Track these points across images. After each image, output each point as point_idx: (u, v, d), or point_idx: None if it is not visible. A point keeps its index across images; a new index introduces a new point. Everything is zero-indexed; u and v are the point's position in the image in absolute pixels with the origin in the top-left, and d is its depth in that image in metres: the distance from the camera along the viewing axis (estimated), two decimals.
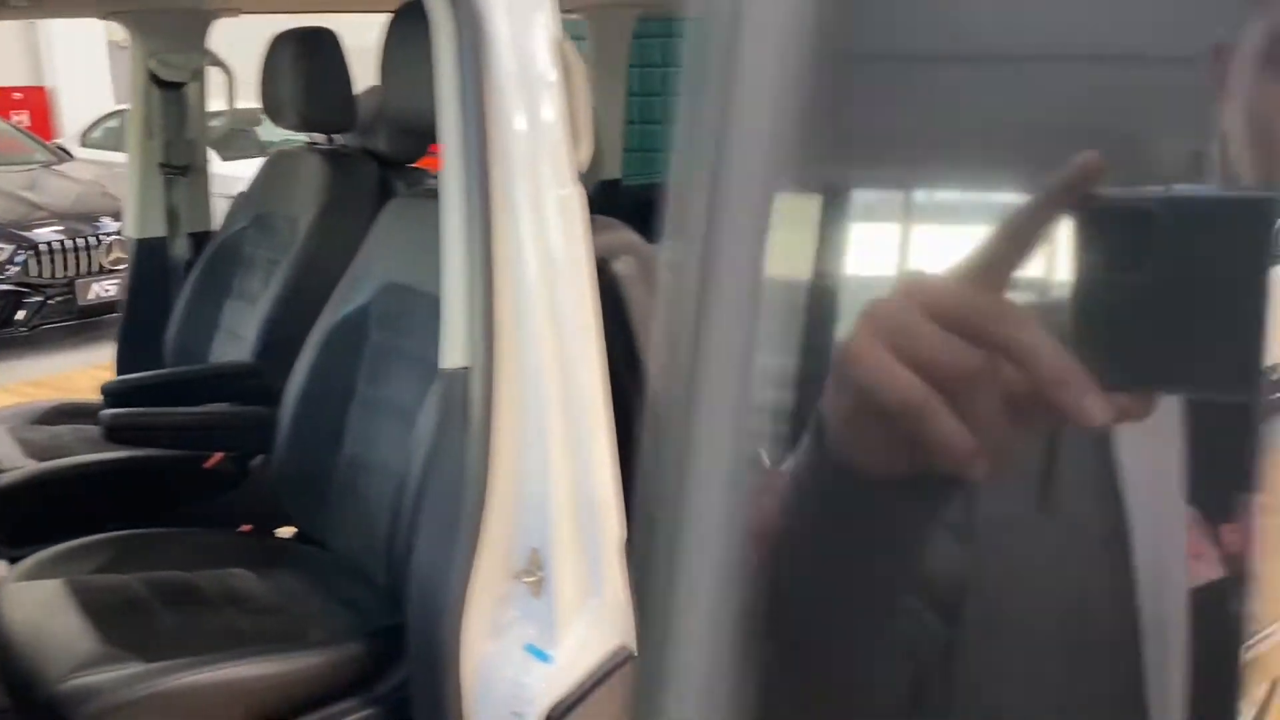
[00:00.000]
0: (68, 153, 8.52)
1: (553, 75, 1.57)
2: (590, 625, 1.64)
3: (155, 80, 2.80)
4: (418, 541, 1.67)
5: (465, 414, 1.57)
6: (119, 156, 7.74)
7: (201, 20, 2.84)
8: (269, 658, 1.71)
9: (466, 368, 1.57)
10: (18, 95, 11.35)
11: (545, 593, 1.62)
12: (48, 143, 8.72)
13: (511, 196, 1.55)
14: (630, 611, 1.66)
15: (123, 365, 2.89)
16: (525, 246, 1.56)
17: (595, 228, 2.04)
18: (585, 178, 3.80)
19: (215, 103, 3.00)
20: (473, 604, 1.61)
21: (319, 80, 2.51)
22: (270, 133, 10.69)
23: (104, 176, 7.83)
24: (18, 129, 9.11)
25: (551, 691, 1.61)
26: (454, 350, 1.59)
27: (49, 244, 6.77)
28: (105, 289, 6.90)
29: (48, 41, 11.39)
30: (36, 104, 11.44)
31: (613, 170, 3.73)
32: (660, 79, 5.17)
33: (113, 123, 9.60)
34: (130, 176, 2.87)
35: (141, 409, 2.28)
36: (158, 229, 2.90)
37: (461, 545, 1.59)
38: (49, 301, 6.68)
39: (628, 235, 2.01)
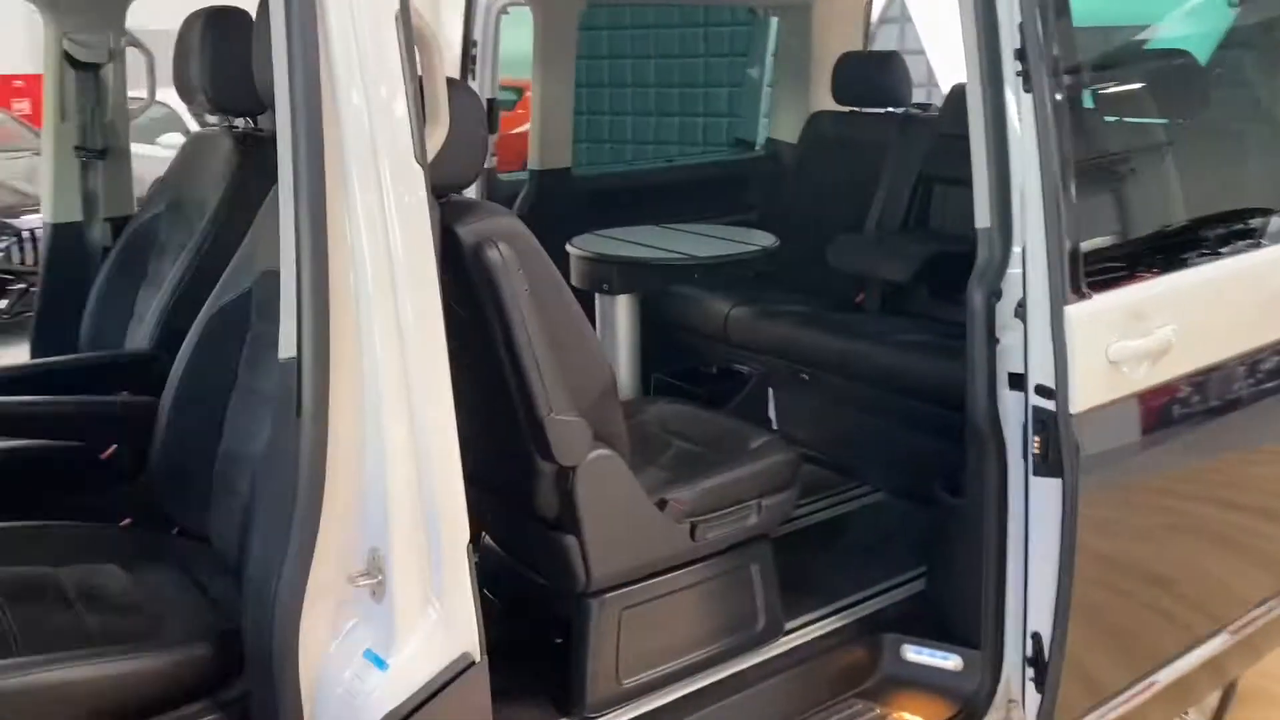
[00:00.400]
0: None
1: (394, 53, 1.48)
2: (432, 632, 1.56)
3: (70, 60, 2.73)
4: (253, 539, 1.59)
5: (298, 405, 1.49)
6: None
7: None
8: (105, 659, 1.64)
9: (295, 358, 1.48)
10: (19, 83, 11.36)
11: (384, 596, 1.54)
12: None
13: (346, 182, 1.47)
14: (474, 618, 1.58)
15: (37, 353, 2.83)
16: (361, 233, 1.47)
17: (475, 212, 1.95)
18: (538, 167, 3.64)
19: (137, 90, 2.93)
20: (311, 606, 1.53)
21: (228, 60, 2.43)
22: None
23: None
24: (15, 118, 9.10)
25: (385, 701, 1.52)
26: (288, 340, 1.51)
27: (33, 231, 6.77)
28: None
29: None
30: (38, 92, 11.42)
31: (563, 159, 3.65)
32: (607, 70, 5.12)
33: None
34: (44, 159, 2.80)
35: (16, 399, 2.21)
36: (74, 214, 2.83)
37: (295, 544, 1.51)
38: (32, 289, 6.66)
39: (506, 221, 1.93)
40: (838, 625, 2.58)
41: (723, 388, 3.09)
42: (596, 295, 3.03)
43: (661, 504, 2.19)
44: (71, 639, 1.70)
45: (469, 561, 1.57)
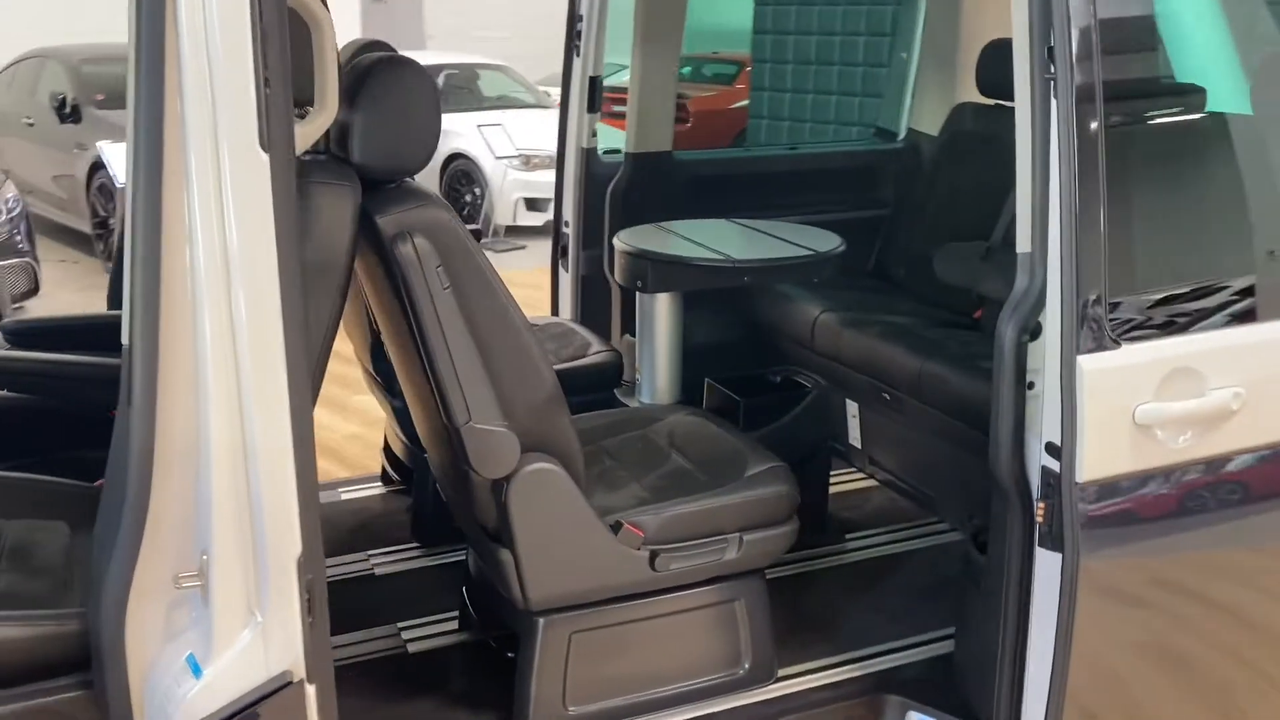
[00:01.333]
0: None
1: (244, 29, 1.39)
2: (252, 645, 1.48)
3: None
4: (96, 530, 1.56)
5: (129, 395, 1.44)
6: None
7: None
8: None
9: (125, 348, 1.43)
10: None
11: (207, 602, 1.47)
12: None
13: (186, 166, 1.39)
14: (299, 636, 1.49)
15: (112, 303, 2.95)
16: (197, 221, 1.40)
17: (403, 201, 1.84)
18: (634, 149, 3.46)
19: None
20: (139, 603, 1.49)
21: None
22: (493, 86, 10.99)
23: None
24: None
25: (194, 711, 1.46)
26: (124, 326, 1.46)
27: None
28: None
29: None
30: None
31: (662, 142, 3.47)
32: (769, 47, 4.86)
33: None
34: None
35: (13, 354, 2.29)
36: None
37: (123, 539, 1.46)
38: None
39: (432, 212, 1.80)
40: (839, 678, 2.34)
41: (780, 399, 2.85)
42: (637, 293, 2.86)
43: (617, 527, 2.03)
44: None
45: (298, 576, 1.48)
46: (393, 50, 2.82)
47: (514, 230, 8.76)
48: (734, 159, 4.21)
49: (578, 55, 3.48)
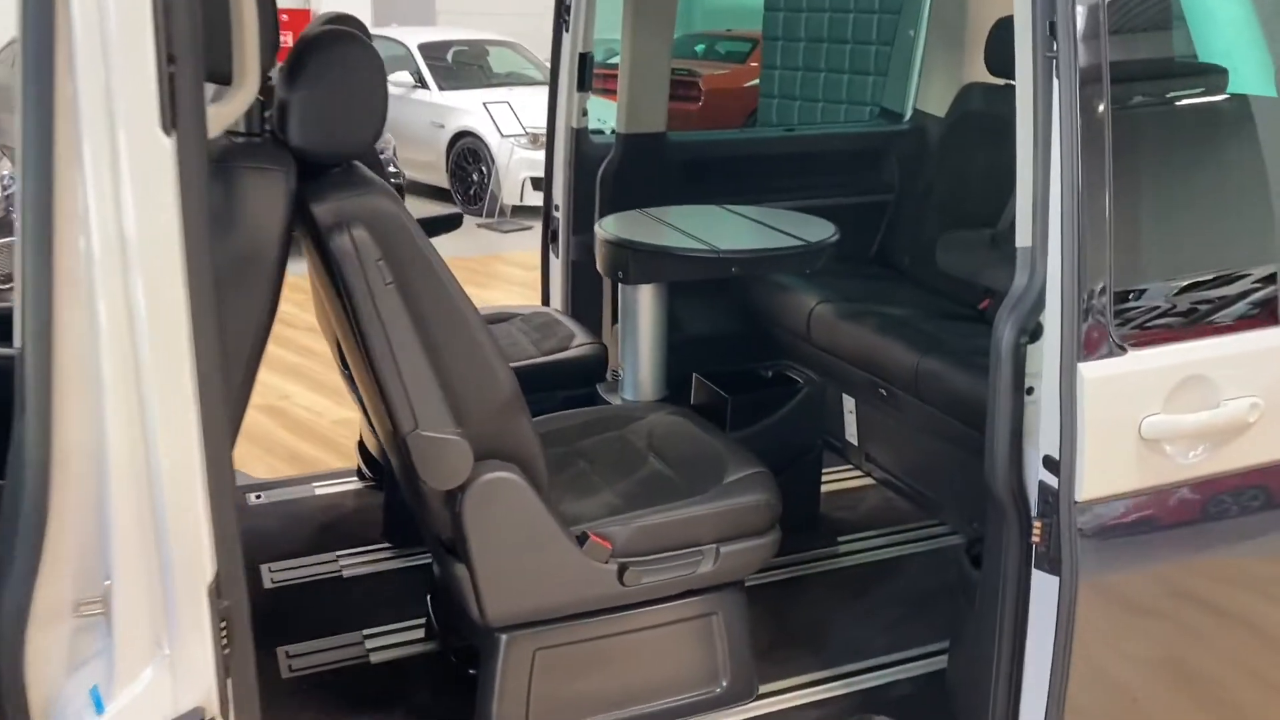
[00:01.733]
0: None
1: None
2: (157, 680, 1.35)
3: None
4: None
5: (22, 403, 1.31)
6: None
7: None
8: None
9: (18, 350, 1.30)
10: (284, 17, 12.01)
11: (110, 632, 1.34)
12: None
13: (79, 149, 1.25)
14: (212, 669, 1.36)
15: None
16: (91, 212, 1.26)
17: (342, 188, 1.70)
18: (625, 130, 3.28)
19: None
20: (39, 630, 1.35)
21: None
22: (502, 63, 10.82)
23: None
24: None
25: None
26: (16, 327, 1.32)
27: None
28: None
29: None
30: (300, 26, 12.05)
31: (655, 123, 3.31)
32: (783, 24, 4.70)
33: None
34: None
35: None
36: None
37: (20, 559, 1.33)
38: None
39: (374, 200, 1.66)
40: (823, 696, 2.21)
41: (770, 396, 2.70)
42: (619, 284, 2.71)
43: (583, 538, 1.89)
44: None
45: (210, 604, 1.35)
46: (361, 26, 2.67)
47: (520, 210, 8.62)
48: (731, 140, 4.04)
49: (567, 31, 3.32)
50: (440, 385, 1.70)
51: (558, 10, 3.31)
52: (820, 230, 2.75)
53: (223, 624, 1.39)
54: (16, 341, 1.33)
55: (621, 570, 1.91)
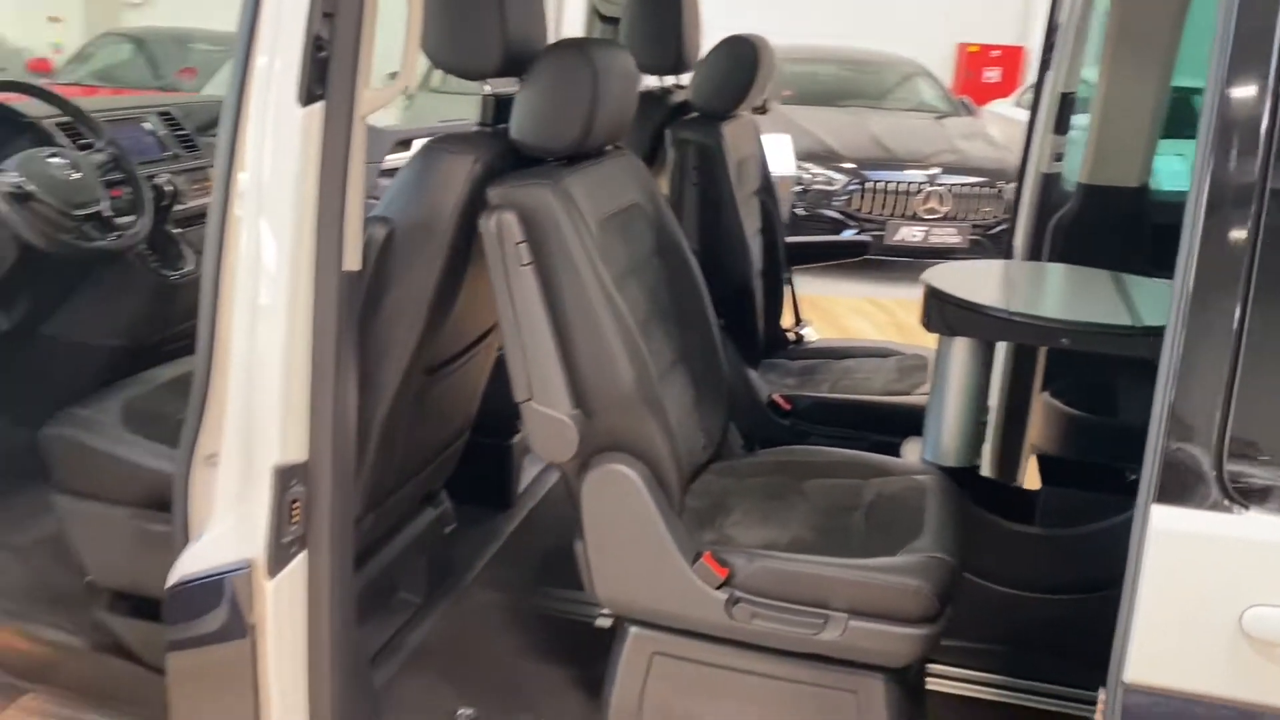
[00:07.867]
0: (969, 109, 9.06)
1: None
2: (228, 529, 1.68)
3: (598, 15, 3.10)
4: None
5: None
6: (1019, 114, 7.97)
7: None
8: None
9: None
10: (995, 53, 12.07)
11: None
12: (963, 97, 9.35)
13: (249, 110, 1.61)
14: (264, 535, 1.65)
15: None
16: (249, 157, 1.61)
17: (518, 179, 1.87)
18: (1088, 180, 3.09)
19: None
20: (196, 470, 1.77)
21: None
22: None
23: (978, 129, 8.32)
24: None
25: (180, 567, 1.71)
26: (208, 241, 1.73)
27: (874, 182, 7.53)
28: (913, 233, 7.49)
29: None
30: (1011, 63, 12.03)
31: (1127, 176, 2.91)
32: None
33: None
34: None
35: None
36: None
37: (190, 422, 1.74)
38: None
39: (536, 191, 1.81)
40: None
41: (1104, 502, 2.29)
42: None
43: (697, 556, 1.88)
44: None
45: (274, 482, 1.63)
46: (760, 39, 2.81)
47: None
48: None
49: (1049, 68, 3.09)
50: (564, 368, 1.82)
51: (1045, 45, 3.10)
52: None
53: (294, 504, 1.68)
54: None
55: (732, 602, 1.87)
